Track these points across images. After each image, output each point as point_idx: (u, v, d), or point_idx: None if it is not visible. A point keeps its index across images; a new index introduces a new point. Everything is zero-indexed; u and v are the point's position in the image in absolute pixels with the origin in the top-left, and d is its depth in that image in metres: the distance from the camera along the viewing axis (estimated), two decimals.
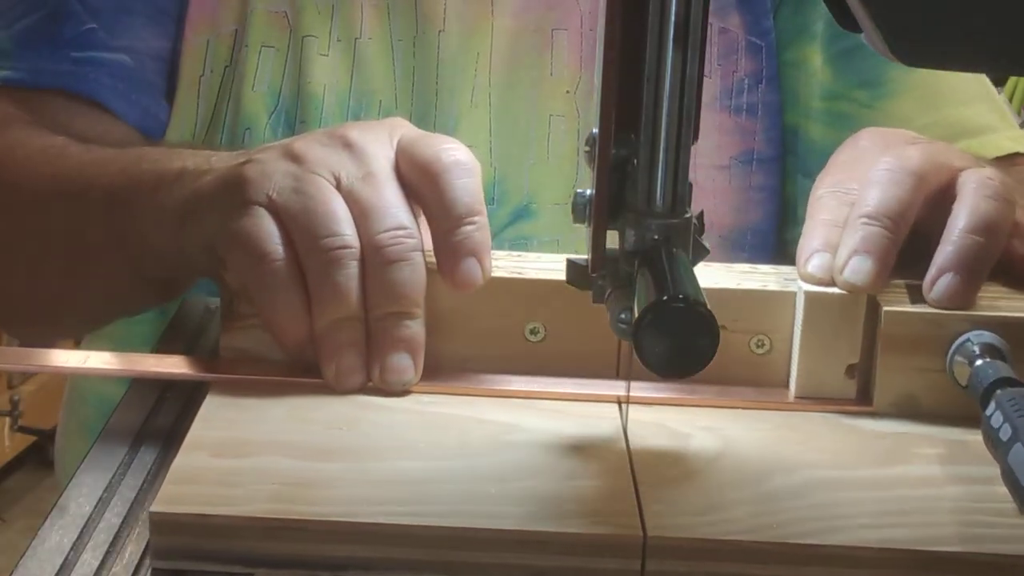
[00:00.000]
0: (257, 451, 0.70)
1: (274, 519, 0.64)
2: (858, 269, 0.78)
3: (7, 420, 3.12)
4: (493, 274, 0.80)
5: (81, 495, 0.70)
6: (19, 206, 0.96)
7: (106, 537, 0.67)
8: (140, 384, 0.83)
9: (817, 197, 0.83)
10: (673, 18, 0.66)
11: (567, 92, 1.08)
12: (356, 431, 0.73)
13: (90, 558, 0.65)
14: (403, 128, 0.82)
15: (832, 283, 0.78)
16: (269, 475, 0.68)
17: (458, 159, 0.79)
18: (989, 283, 0.80)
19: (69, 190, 0.91)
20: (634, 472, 0.70)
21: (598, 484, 0.69)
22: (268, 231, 0.77)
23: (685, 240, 0.70)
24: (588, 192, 0.71)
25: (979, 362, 0.75)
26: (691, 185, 0.70)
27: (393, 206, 0.78)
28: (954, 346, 0.77)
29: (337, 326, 0.76)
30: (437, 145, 0.79)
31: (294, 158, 0.79)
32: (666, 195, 0.69)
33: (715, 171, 1.10)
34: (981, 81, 1.11)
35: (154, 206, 0.84)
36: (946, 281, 0.78)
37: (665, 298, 0.64)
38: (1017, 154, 1.08)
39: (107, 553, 0.66)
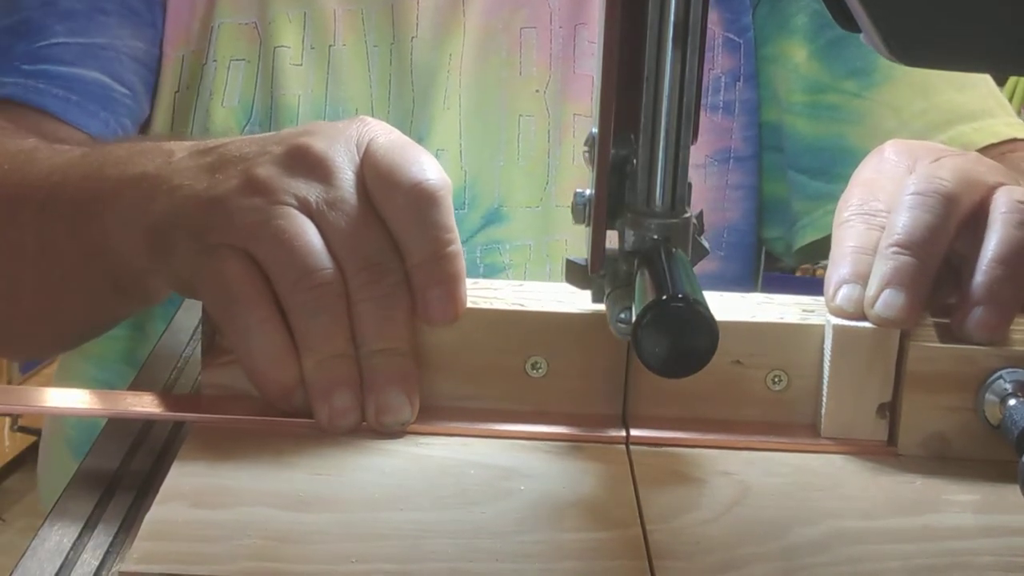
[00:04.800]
0: (238, 501, 0.65)
1: None
2: (891, 303, 0.72)
3: (7, 420, 3.16)
4: (493, 307, 0.75)
5: (81, 495, 0.70)
6: None
7: (106, 537, 0.66)
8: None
9: (843, 220, 0.78)
10: (673, 18, 0.66)
11: (536, 91, 1.08)
12: (344, 477, 0.68)
13: (90, 558, 0.65)
14: (371, 132, 0.76)
15: (862, 316, 0.73)
16: (250, 528, 0.63)
17: (425, 186, 0.73)
18: (1022, 315, 0.75)
19: (36, 197, 0.87)
20: (643, 523, 0.65)
21: (605, 537, 0.64)
22: (240, 273, 0.71)
23: (684, 240, 0.70)
24: (588, 192, 0.71)
25: (1012, 401, 0.70)
26: (690, 185, 0.70)
27: (369, 236, 0.73)
28: (986, 384, 0.72)
29: (327, 365, 0.72)
30: (405, 167, 0.74)
31: (258, 189, 0.73)
32: (665, 195, 0.69)
33: (691, 170, 1.05)
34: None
35: (117, 220, 0.79)
36: (977, 315, 0.73)
37: (664, 298, 0.64)
38: (1014, 139, 1.05)
39: (107, 553, 0.65)
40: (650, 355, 0.64)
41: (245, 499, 0.66)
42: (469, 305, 0.74)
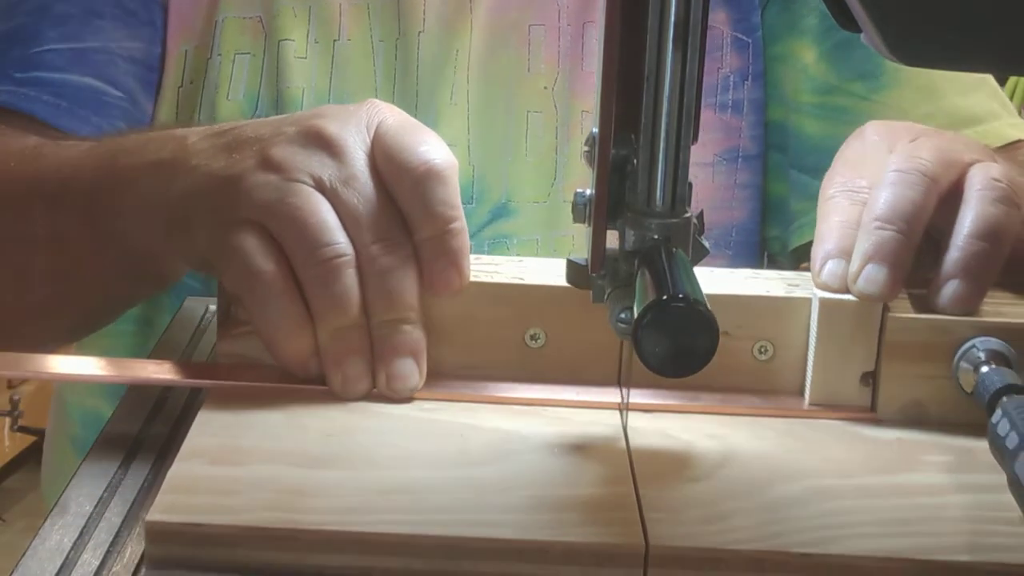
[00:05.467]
0: (254, 459, 0.70)
1: (271, 528, 0.63)
2: (873, 278, 0.77)
3: (7, 420, 3.15)
4: (494, 280, 0.79)
5: (81, 495, 0.70)
6: (3, 203, 0.95)
7: (106, 537, 0.66)
8: (135, 391, 0.82)
9: (828, 197, 0.82)
10: (673, 18, 0.66)
11: (544, 88, 1.08)
12: (354, 439, 0.73)
13: (90, 558, 0.65)
14: (380, 113, 0.80)
15: (846, 290, 0.78)
16: (266, 483, 0.67)
17: (432, 166, 0.77)
18: (995, 289, 0.79)
19: (47, 191, 0.90)
20: (636, 481, 0.69)
21: (599, 492, 0.68)
22: (258, 247, 0.76)
23: (685, 240, 0.70)
24: (588, 192, 0.71)
25: (985, 369, 0.74)
26: (691, 185, 0.70)
27: (379, 212, 0.77)
28: (960, 353, 0.76)
29: (341, 335, 0.76)
30: (413, 148, 0.78)
31: (274, 167, 0.77)
32: (666, 195, 0.69)
33: (699, 168, 1.10)
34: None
35: (135, 204, 0.83)
36: (952, 287, 0.77)
37: (665, 297, 0.64)
38: (1019, 141, 1.08)
39: (107, 553, 0.65)
40: (650, 355, 0.64)
41: (261, 457, 0.70)
42: (472, 279, 0.79)
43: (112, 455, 0.76)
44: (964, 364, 0.76)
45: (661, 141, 0.68)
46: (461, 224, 0.78)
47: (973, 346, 0.76)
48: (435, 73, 1.08)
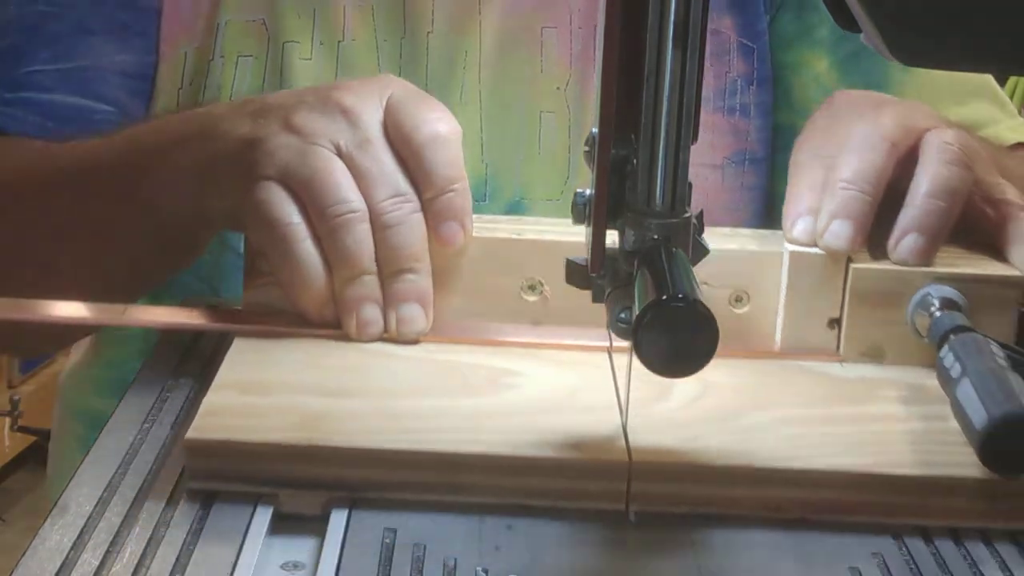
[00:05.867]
0: (279, 390, 0.78)
1: (296, 445, 0.71)
2: (838, 233, 0.85)
3: (7, 420, 3.16)
4: (494, 235, 0.87)
5: (81, 495, 0.71)
6: (26, 201, 1.00)
7: (106, 537, 0.68)
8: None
9: (799, 162, 0.90)
10: (673, 18, 0.67)
11: (557, 89, 1.10)
12: (368, 374, 0.81)
13: (90, 558, 0.66)
14: (392, 86, 0.88)
15: (815, 245, 0.86)
16: (291, 409, 0.75)
17: (437, 132, 0.85)
18: (949, 243, 0.87)
19: (72, 181, 0.97)
20: (622, 411, 0.77)
21: (591, 419, 0.76)
22: (280, 203, 0.84)
23: (685, 240, 0.71)
24: (588, 192, 0.72)
25: (938, 313, 0.82)
26: (691, 185, 0.71)
27: (390, 173, 0.85)
28: (915, 300, 0.84)
29: (354, 283, 0.84)
30: (419, 116, 0.86)
31: (295, 131, 0.85)
32: (666, 195, 0.70)
33: (708, 170, 1.14)
34: (980, 74, 1.15)
35: (168, 167, 0.90)
36: (909, 241, 0.85)
37: (664, 297, 0.65)
38: (1018, 145, 1.12)
39: (107, 553, 0.66)
40: (650, 355, 0.65)
41: (285, 389, 0.78)
42: (474, 235, 0.87)
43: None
44: (919, 310, 0.84)
45: (661, 141, 0.69)
46: (464, 185, 0.86)
47: (928, 294, 0.84)
48: (444, 73, 1.10)
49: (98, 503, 0.70)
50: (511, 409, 0.77)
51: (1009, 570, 0.68)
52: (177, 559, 0.65)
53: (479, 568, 0.65)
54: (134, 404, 0.81)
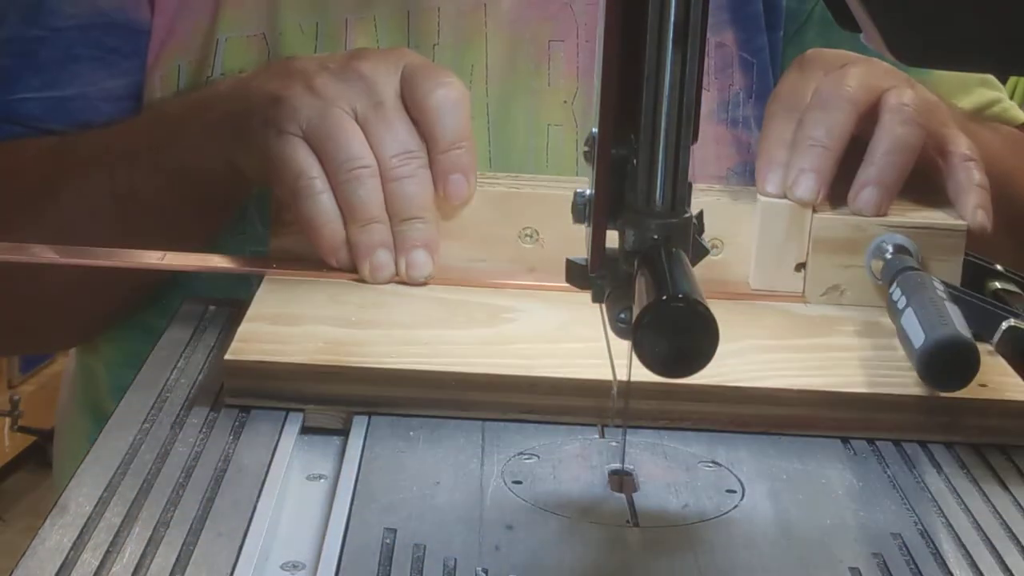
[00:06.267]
0: (305, 321, 0.88)
1: (321, 365, 0.81)
2: (805, 186, 0.95)
3: (7, 420, 3.17)
4: (494, 189, 0.97)
5: (81, 495, 0.72)
6: (55, 191, 1.05)
7: (106, 537, 0.68)
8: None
9: (772, 114, 0.99)
10: (673, 18, 0.67)
11: (564, 102, 1.11)
12: (383, 310, 0.91)
13: (90, 558, 0.66)
14: (408, 57, 0.97)
15: (784, 196, 0.95)
16: (316, 336, 0.85)
17: (447, 97, 0.95)
18: (902, 195, 0.97)
19: (103, 162, 1.04)
20: (607, 339, 0.86)
21: (580, 347, 0.86)
22: (304, 156, 0.94)
23: (684, 240, 0.71)
24: (588, 192, 0.73)
25: (891, 257, 0.92)
26: (691, 185, 0.71)
27: (400, 132, 0.95)
28: (872, 246, 0.94)
29: (367, 230, 0.94)
30: (432, 80, 0.95)
31: (318, 93, 0.95)
32: (666, 195, 0.70)
33: (713, 182, 1.16)
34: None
35: (199, 128, 1.00)
36: (866, 193, 0.95)
37: (665, 298, 0.65)
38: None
39: (107, 553, 0.67)
40: (650, 355, 0.64)
41: (310, 321, 0.88)
42: (475, 186, 0.97)
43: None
44: (875, 255, 0.94)
45: (661, 141, 0.69)
46: (471, 144, 0.95)
47: (883, 241, 0.94)
48: None
49: (98, 503, 0.71)
50: (510, 337, 0.87)
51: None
52: (177, 559, 0.66)
53: (479, 568, 0.67)
54: (134, 403, 0.83)
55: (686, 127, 0.69)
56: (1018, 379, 0.84)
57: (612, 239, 0.72)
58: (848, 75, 0.98)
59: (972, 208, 0.96)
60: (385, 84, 0.96)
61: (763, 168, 0.97)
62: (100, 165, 1.05)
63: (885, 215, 0.95)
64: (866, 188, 0.95)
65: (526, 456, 0.78)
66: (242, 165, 0.98)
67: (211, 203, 1.05)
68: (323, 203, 0.93)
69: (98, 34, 1.08)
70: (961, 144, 0.98)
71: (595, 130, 0.70)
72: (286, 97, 0.95)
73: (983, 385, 0.82)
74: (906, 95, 0.97)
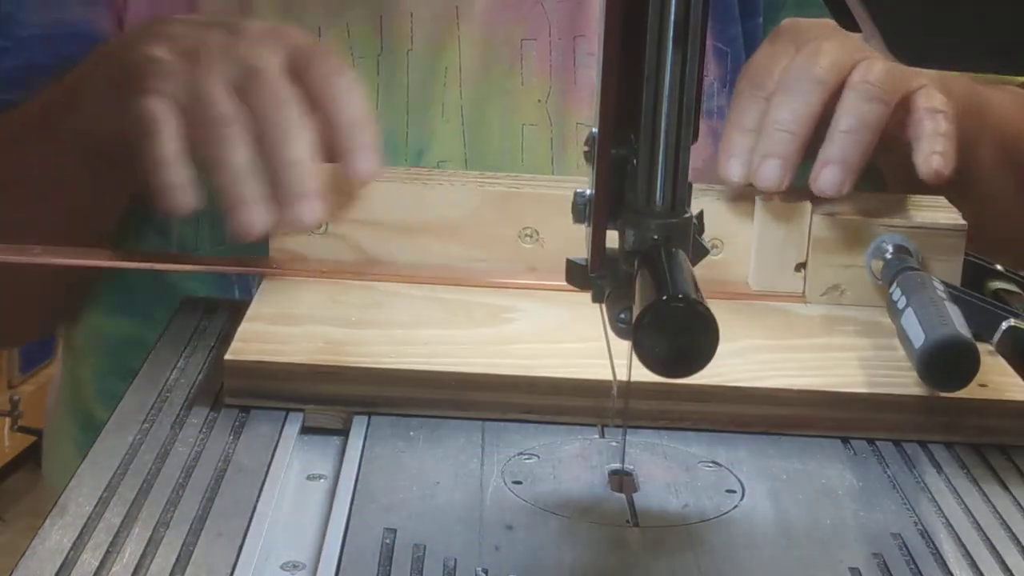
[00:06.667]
0: (305, 321, 0.88)
1: (321, 365, 0.81)
2: (769, 172, 0.93)
3: (7, 420, 3.18)
4: (494, 189, 0.97)
5: (81, 495, 0.72)
6: None
7: (106, 537, 0.68)
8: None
9: (740, 92, 0.97)
10: (673, 18, 0.67)
11: (539, 101, 1.11)
12: (383, 310, 0.91)
13: (90, 558, 0.66)
14: (296, 37, 0.93)
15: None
16: (315, 336, 0.85)
17: (345, 79, 0.91)
18: (904, 195, 0.97)
19: (12, 132, 1.03)
20: (608, 340, 0.86)
21: (579, 347, 0.86)
22: (163, 111, 0.89)
23: (685, 240, 0.71)
24: (588, 192, 0.72)
25: (891, 257, 0.92)
26: (691, 185, 0.71)
27: (281, 94, 0.89)
28: (872, 246, 0.94)
29: (236, 177, 0.88)
30: (327, 64, 0.92)
31: (192, 59, 0.90)
32: (666, 195, 0.70)
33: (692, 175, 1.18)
34: None
35: (88, 88, 0.97)
36: (828, 172, 0.93)
37: (665, 298, 0.65)
38: None
39: (107, 553, 0.67)
40: (650, 355, 0.64)
41: (310, 321, 0.88)
42: (475, 186, 0.97)
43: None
44: (875, 255, 0.94)
45: (661, 141, 0.69)
46: (371, 123, 0.91)
47: (883, 241, 0.94)
48: (424, 90, 1.10)
49: (98, 503, 0.71)
50: (509, 337, 0.87)
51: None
52: (177, 559, 0.67)
53: (479, 568, 0.67)
54: (134, 403, 0.83)
55: (686, 127, 0.69)
56: (1018, 379, 0.84)
57: (612, 239, 0.72)
58: (819, 53, 0.95)
59: (927, 154, 0.93)
60: (268, 55, 0.91)
61: (724, 154, 0.95)
62: (7, 142, 1.03)
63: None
64: (827, 167, 0.93)
65: (526, 456, 0.78)
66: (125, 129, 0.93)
67: (112, 172, 0.99)
68: (168, 145, 0.88)
69: (58, 44, 1.07)
70: (932, 99, 0.95)
71: (595, 130, 0.70)
72: (159, 60, 0.92)
73: (983, 385, 0.82)
74: (873, 71, 0.95)
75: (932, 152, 0.94)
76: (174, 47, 0.93)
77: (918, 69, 0.95)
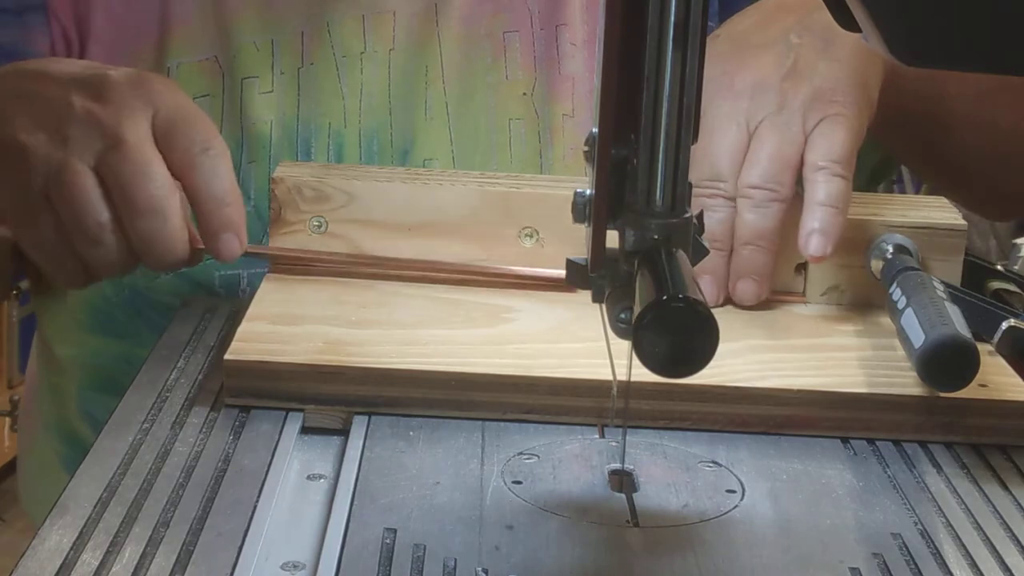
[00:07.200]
0: (305, 321, 0.88)
1: (321, 365, 0.81)
2: (749, 294, 0.93)
3: (7, 420, 3.15)
4: (494, 189, 0.97)
5: (81, 495, 0.72)
6: None
7: (106, 537, 0.68)
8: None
9: (714, 106, 0.94)
10: (673, 18, 0.67)
11: (524, 94, 1.10)
12: (383, 310, 0.91)
13: (90, 558, 0.66)
14: (160, 96, 0.90)
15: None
16: (316, 336, 0.85)
17: (210, 155, 0.89)
18: (904, 195, 0.97)
19: None
20: (608, 340, 0.87)
21: (579, 348, 0.86)
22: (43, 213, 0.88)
23: (685, 240, 0.70)
24: (588, 192, 0.72)
25: (891, 257, 0.92)
26: (691, 185, 0.71)
27: (149, 171, 0.88)
28: (872, 246, 0.94)
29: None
30: (190, 137, 0.89)
31: (59, 144, 0.88)
32: (666, 195, 0.69)
33: None
34: None
35: None
36: (815, 239, 0.91)
37: (665, 298, 0.65)
38: None
39: (107, 553, 0.67)
40: (650, 355, 0.64)
41: (311, 321, 0.88)
42: (476, 187, 0.97)
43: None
44: (875, 255, 0.94)
45: (661, 141, 0.68)
46: (239, 198, 0.91)
47: (883, 241, 0.94)
48: (407, 89, 1.09)
49: (98, 503, 0.71)
50: (509, 337, 0.87)
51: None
52: (177, 559, 0.67)
53: (479, 568, 0.67)
54: (134, 403, 0.83)
55: (686, 127, 0.69)
56: (1018, 379, 0.85)
57: (612, 239, 0.72)
58: (767, 159, 0.93)
59: (807, 232, 0.91)
60: (132, 124, 0.89)
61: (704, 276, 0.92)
62: None
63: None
64: (811, 235, 0.91)
65: (526, 456, 0.78)
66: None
67: None
68: (44, 232, 0.89)
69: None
70: (821, 149, 0.93)
71: (595, 130, 0.70)
72: (24, 147, 0.89)
73: (983, 385, 0.82)
74: (833, 152, 0.93)
75: (812, 231, 0.91)
76: (38, 125, 0.89)
77: (836, 94, 0.95)
